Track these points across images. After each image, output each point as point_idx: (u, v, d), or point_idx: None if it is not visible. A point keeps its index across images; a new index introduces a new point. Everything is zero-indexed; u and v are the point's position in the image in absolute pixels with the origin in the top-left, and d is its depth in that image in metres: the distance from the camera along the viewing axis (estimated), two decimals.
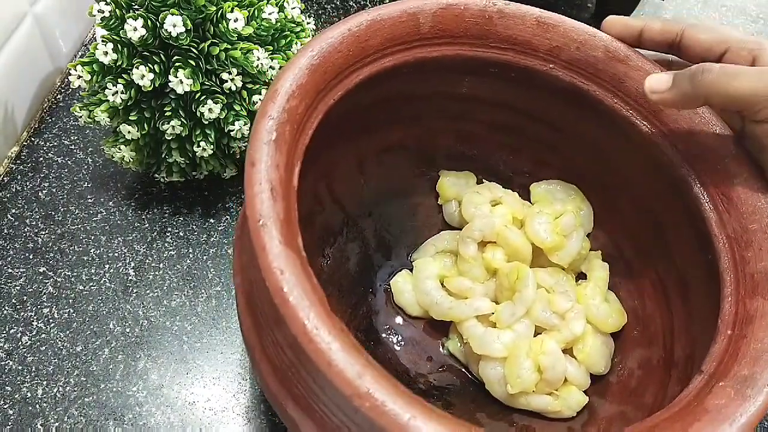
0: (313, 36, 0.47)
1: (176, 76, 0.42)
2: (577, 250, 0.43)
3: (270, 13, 0.44)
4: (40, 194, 0.50)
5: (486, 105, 0.43)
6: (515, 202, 0.45)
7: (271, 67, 0.44)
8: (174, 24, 0.41)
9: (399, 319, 0.44)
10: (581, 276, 0.45)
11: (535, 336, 0.41)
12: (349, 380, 0.24)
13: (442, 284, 0.43)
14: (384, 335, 0.43)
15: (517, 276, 0.41)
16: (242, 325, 0.33)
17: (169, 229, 0.49)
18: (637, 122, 0.38)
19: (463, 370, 0.43)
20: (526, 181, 0.46)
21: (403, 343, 0.43)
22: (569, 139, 0.43)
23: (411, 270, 0.45)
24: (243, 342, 0.36)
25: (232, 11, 0.42)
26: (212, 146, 0.45)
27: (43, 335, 0.44)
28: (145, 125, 0.45)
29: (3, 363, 0.43)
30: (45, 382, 0.42)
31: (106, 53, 0.42)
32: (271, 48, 0.46)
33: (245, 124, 0.45)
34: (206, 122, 0.44)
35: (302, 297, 0.25)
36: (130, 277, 0.47)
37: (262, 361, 0.31)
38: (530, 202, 0.45)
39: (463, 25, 0.38)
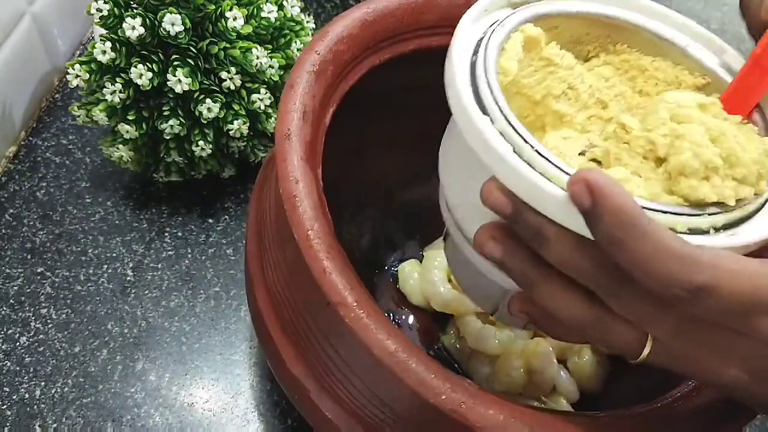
0: (312, 35, 0.47)
1: (175, 75, 0.42)
2: None
3: (269, 12, 0.44)
4: (37, 194, 0.50)
5: None
6: None
7: (270, 66, 0.44)
8: (173, 23, 0.41)
9: (400, 306, 0.45)
10: None
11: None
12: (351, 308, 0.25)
13: (449, 280, 0.44)
14: None
15: None
16: (255, 302, 0.33)
17: (168, 229, 0.49)
18: None
19: (454, 366, 0.43)
20: None
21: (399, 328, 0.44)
22: None
23: (421, 261, 0.46)
24: (251, 317, 0.36)
25: (231, 10, 0.42)
26: (211, 146, 0.45)
27: (41, 336, 0.44)
28: (144, 125, 0.44)
29: (1, 364, 0.42)
30: (43, 383, 0.42)
31: (104, 52, 0.42)
32: (270, 47, 0.45)
33: (244, 123, 0.44)
34: (205, 121, 0.44)
35: (312, 208, 0.26)
36: (128, 278, 0.47)
37: (277, 337, 0.31)
38: None
39: None
